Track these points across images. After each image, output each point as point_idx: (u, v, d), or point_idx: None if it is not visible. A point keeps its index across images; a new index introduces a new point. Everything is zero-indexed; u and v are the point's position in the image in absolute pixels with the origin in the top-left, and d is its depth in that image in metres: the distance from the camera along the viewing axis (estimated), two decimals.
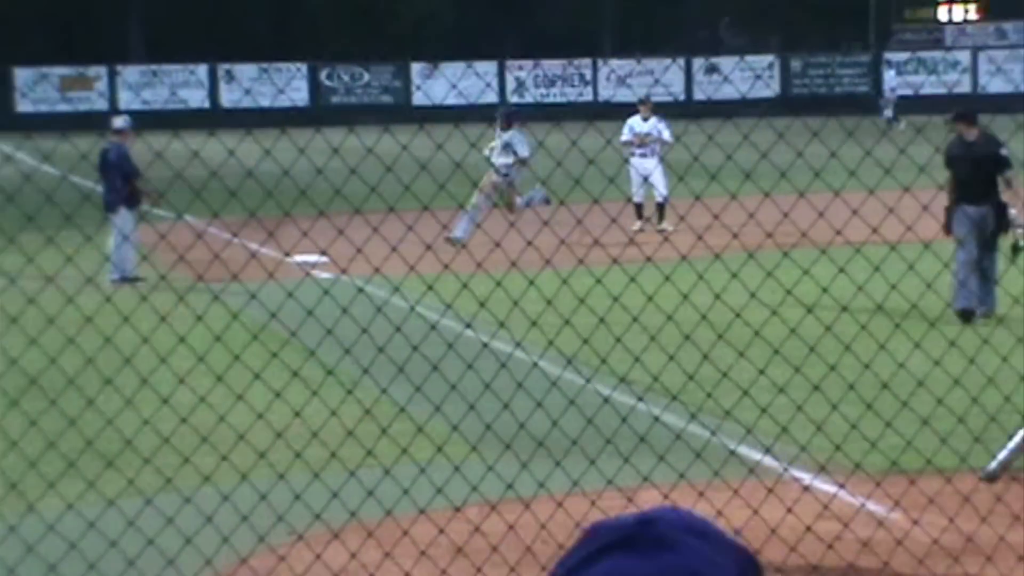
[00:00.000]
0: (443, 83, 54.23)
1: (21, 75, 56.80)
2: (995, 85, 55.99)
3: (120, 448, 10.39)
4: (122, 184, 20.88)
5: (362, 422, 10.48)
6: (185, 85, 56.95)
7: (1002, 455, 10.03)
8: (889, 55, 59.18)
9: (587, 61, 60.43)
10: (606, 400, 10.84)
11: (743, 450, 10.63)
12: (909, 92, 49.77)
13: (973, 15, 64.63)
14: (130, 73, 57.79)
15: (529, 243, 8.93)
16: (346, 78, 59.40)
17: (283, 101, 51.36)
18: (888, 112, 49.15)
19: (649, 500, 9.16)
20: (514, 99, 58.44)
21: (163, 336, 10.97)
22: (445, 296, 10.13)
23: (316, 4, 66.58)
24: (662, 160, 24.75)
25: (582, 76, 60.16)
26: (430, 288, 9.86)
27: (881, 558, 8.85)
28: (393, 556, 8.73)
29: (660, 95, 44.77)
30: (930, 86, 55.06)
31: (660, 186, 24.66)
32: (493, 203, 22.61)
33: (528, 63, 59.95)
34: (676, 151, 13.86)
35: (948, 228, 16.49)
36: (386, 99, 58.52)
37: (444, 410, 10.21)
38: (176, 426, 10.15)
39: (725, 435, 10.78)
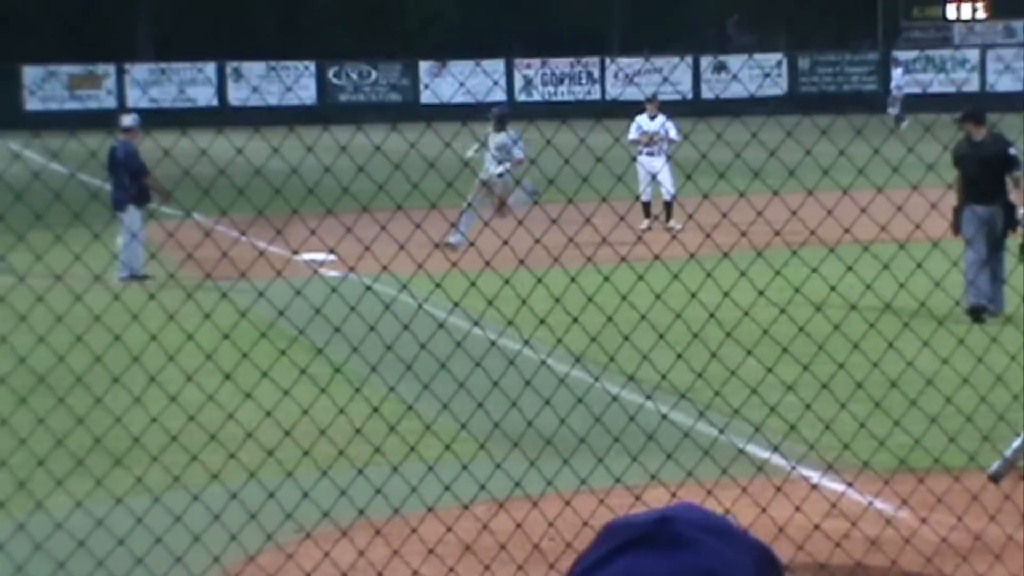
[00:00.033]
0: (451, 81, 54.23)
1: (29, 73, 56.86)
2: (1004, 83, 55.90)
3: (128, 446, 10.40)
4: (130, 182, 20.92)
5: (370, 420, 10.49)
6: (193, 83, 56.99)
7: (1006, 455, 10.02)
8: (897, 53, 59.11)
9: (595, 59, 60.40)
10: (614, 398, 10.83)
11: (751, 448, 10.63)
12: (917, 90, 49.68)
13: (981, 13, 64.55)
14: (138, 71, 57.83)
15: (537, 241, 8.93)
16: (354, 76, 59.41)
17: (291, 99, 51.35)
18: (892, 110, 49.10)
19: (657, 498, 9.16)
20: (522, 97, 58.45)
21: (171, 334, 10.98)
22: (453, 294, 10.12)
23: (324, 2, 66.61)
24: (669, 158, 24.75)
25: (590, 74, 60.13)
26: (438, 286, 9.86)
27: (889, 557, 8.84)
28: (401, 554, 8.73)
29: (668, 93, 44.75)
30: (938, 84, 55.02)
31: (667, 184, 24.64)
32: (487, 201, 22.48)
33: (536, 61, 59.94)
34: (684, 149, 13.86)
35: (956, 228, 16.47)
36: (394, 97, 58.53)
37: (452, 408, 10.21)
38: (184, 424, 10.16)
39: (733, 433, 10.78)
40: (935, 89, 51.34)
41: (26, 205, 8.88)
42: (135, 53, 61.92)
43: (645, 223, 24.08)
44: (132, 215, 20.87)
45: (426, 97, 56.29)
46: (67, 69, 57.19)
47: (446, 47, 62.30)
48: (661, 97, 26.79)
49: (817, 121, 9.60)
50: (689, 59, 60.07)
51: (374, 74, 59.56)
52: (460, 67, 56.41)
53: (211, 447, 9.91)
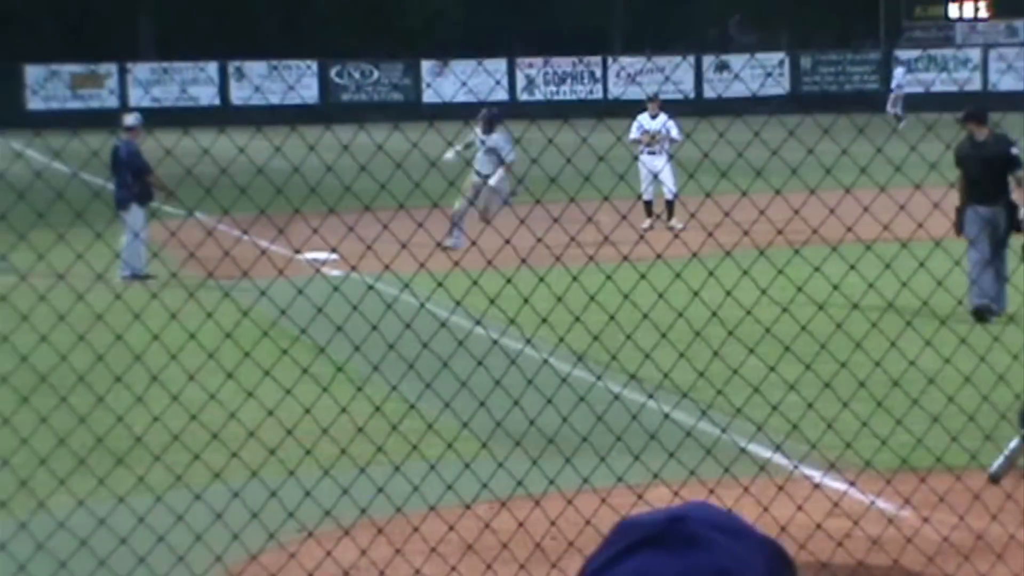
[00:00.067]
0: (453, 81, 54.23)
1: (32, 72, 56.88)
2: (1006, 83, 55.88)
3: (130, 445, 10.40)
4: (133, 181, 20.93)
5: (372, 419, 10.49)
6: (195, 82, 57.00)
7: (1004, 455, 10.02)
8: (899, 52, 59.10)
9: (597, 59, 60.40)
10: (616, 397, 10.83)
11: (753, 447, 10.62)
12: (920, 89, 49.67)
13: (983, 13, 64.51)
14: (140, 70, 57.85)
15: (539, 240, 8.93)
16: (356, 75, 59.42)
17: (293, 98, 51.38)
18: (892, 108, 49.09)
19: (659, 497, 9.16)
20: (524, 96, 58.45)
21: (173, 333, 10.97)
22: (455, 293, 10.13)
23: (326, 1, 66.61)
24: (671, 157, 24.75)
25: (592, 74, 60.13)
26: (440, 285, 9.85)
27: (891, 556, 8.84)
28: (403, 553, 8.73)
29: (670, 93, 44.76)
30: (941, 84, 55.01)
31: (669, 183, 24.64)
32: (472, 203, 22.46)
33: (538, 60, 59.94)
34: (686, 148, 13.86)
35: (959, 229, 16.46)
36: (396, 96, 58.53)
37: (454, 407, 10.21)
38: (186, 423, 10.16)
39: (735, 432, 10.77)
40: (937, 88, 51.31)
41: (28, 204, 8.89)
42: (137, 52, 61.94)
43: (647, 222, 24.07)
44: (135, 214, 20.88)
45: (428, 96, 56.31)
46: (69, 68, 57.21)
47: (448, 46, 62.31)
48: (663, 96, 26.75)
49: (819, 120, 9.59)
50: (691, 58, 60.06)
51: (376, 73, 59.56)
52: (462, 66, 56.40)
53: (213, 446, 9.91)
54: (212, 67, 57.65)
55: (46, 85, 56.64)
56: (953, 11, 64.60)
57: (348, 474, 9.63)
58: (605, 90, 59.47)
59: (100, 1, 63.99)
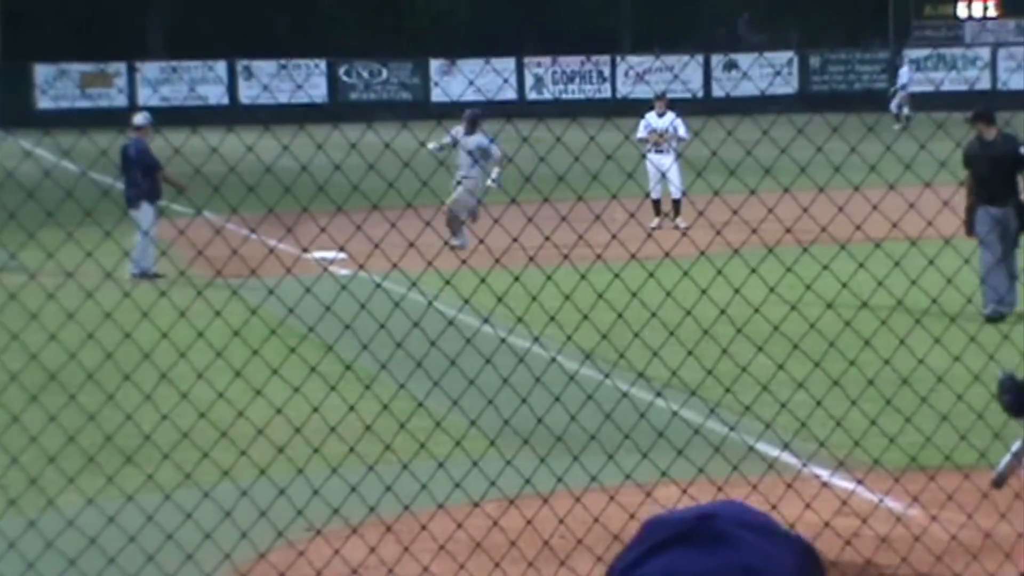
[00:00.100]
0: (461, 80, 54.22)
1: (41, 72, 56.95)
2: (1015, 81, 55.79)
3: (139, 443, 10.41)
4: (143, 179, 20.97)
5: (380, 417, 10.49)
6: (204, 81, 57.04)
7: (1005, 459, 9.99)
8: (908, 51, 59.04)
9: (605, 58, 60.36)
10: (624, 395, 10.83)
11: (761, 446, 10.62)
12: (928, 88, 49.63)
13: (993, 11, 64.42)
14: (149, 69, 57.90)
15: (547, 238, 8.93)
16: (364, 74, 59.43)
17: (301, 97, 51.40)
18: (895, 108, 49.05)
19: (668, 496, 9.16)
20: (532, 95, 58.44)
21: (182, 331, 10.99)
22: (463, 291, 10.14)
23: (335, 1, 66.63)
24: (680, 156, 24.74)
25: (600, 73, 60.10)
26: (448, 283, 9.86)
27: (899, 554, 8.83)
28: (411, 551, 8.74)
29: (679, 92, 44.72)
30: (950, 83, 54.92)
31: (675, 182, 24.64)
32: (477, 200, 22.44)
33: (546, 59, 59.93)
34: (695, 147, 13.86)
35: (970, 229, 16.45)
36: (404, 96, 58.53)
37: (462, 405, 10.21)
38: (195, 421, 10.17)
39: (744, 431, 10.77)
40: (947, 88, 51.24)
41: (37, 203, 8.90)
42: (146, 51, 62.00)
43: (655, 221, 24.07)
44: (145, 212, 20.92)
45: (436, 95, 56.29)
46: (78, 67, 57.27)
47: (457, 45, 62.30)
48: (672, 95, 26.75)
49: (828, 119, 9.59)
50: (700, 57, 60.01)
51: (385, 72, 59.57)
52: (471, 65, 56.39)
53: (222, 444, 9.92)
54: (221, 66, 57.68)
55: (55, 84, 56.71)
56: (962, 10, 64.50)
57: (356, 472, 9.63)
58: (613, 89, 59.43)
59: (109, 0, 64.07)
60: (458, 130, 23.01)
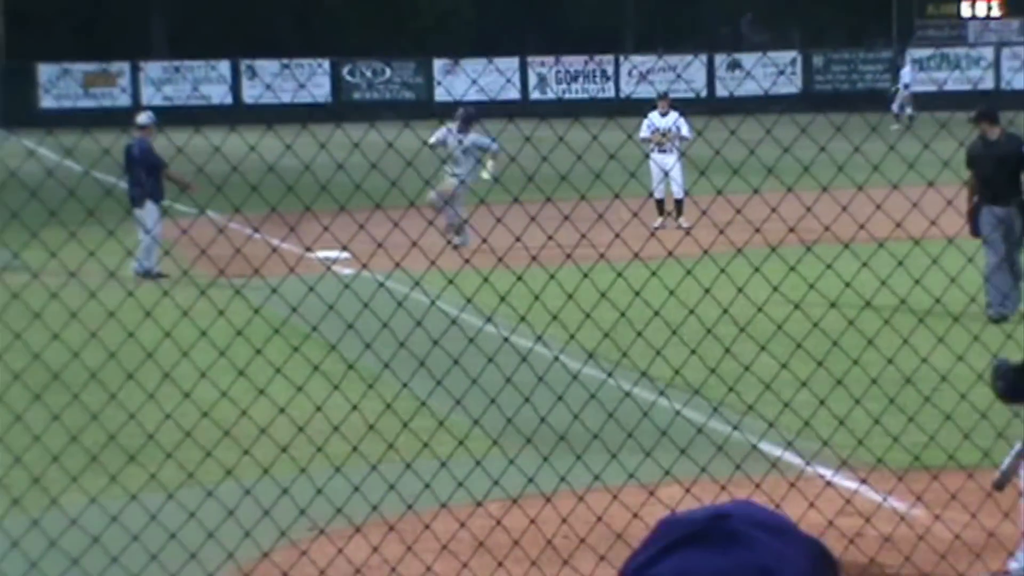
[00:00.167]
0: (464, 79, 54.23)
1: (44, 71, 56.97)
2: (1019, 81, 55.77)
3: (142, 442, 10.41)
4: (147, 178, 20.97)
5: (383, 416, 10.49)
6: (207, 81, 57.05)
7: (1005, 463, 9.97)
8: (911, 51, 59.01)
9: (609, 57, 60.35)
10: (627, 395, 10.83)
11: (765, 445, 10.61)
12: (931, 88, 49.62)
13: (996, 11, 64.38)
14: (152, 69, 57.92)
15: (550, 237, 8.93)
16: (368, 74, 59.43)
17: (304, 97, 51.40)
18: (896, 108, 49.05)
19: (671, 495, 9.16)
20: (535, 95, 58.43)
21: (185, 331, 10.99)
22: (466, 290, 10.14)
23: (338, 0, 66.64)
24: (683, 155, 24.75)
25: (604, 72, 60.09)
26: (451, 282, 9.86)
27: (903, 554, 8.83)
28: (415, 551, 8.74)
29: (682, 91, 44.72)
30: (953, 82, 54.89)
31: (678, 182, 24.65)
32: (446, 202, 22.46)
33: (550, 59, 59.91)
34: (698, 146, 13.86)
35: (975, 230, 16.44)
36: (407, 95, 58.53)
37: (465, 404, 10.21)
38: (198, 420, 10.17)
39: (747, 430, 10.77)
40: (950, 87, 51.22)
41: (40, 202, 8.90)
42: (149, 51, 62.02)
43: (659, 221, 24.07)
44: (150, 211, 20.93)
45: (440, 95, 56.29)
46: (82, 67, 57.28)
47: (460, 45, 62.30)
48: (675, 95, 26.76)
49: (831, 118, 9.58)
50: (703, 57, 60.00)
51: (388, 72, 59.57)
52: (474, 65, 56.39)
53: (225, 444, 9.92)
54: (224, 65, 57.69)
55: (58, 83, 56.73)
56: (966, 9, 64.46)
57: (359, 472, 9.63)
58: (617, 88, 59.42)
59: (112, 0, 64.09)
60: (451, 128, 23.10)
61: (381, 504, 9.16)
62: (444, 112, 24.34)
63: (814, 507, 8.90)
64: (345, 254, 13.88)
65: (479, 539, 8.87)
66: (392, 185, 8.64)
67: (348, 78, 59.17)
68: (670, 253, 9.87)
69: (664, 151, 24.93)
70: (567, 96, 58.24)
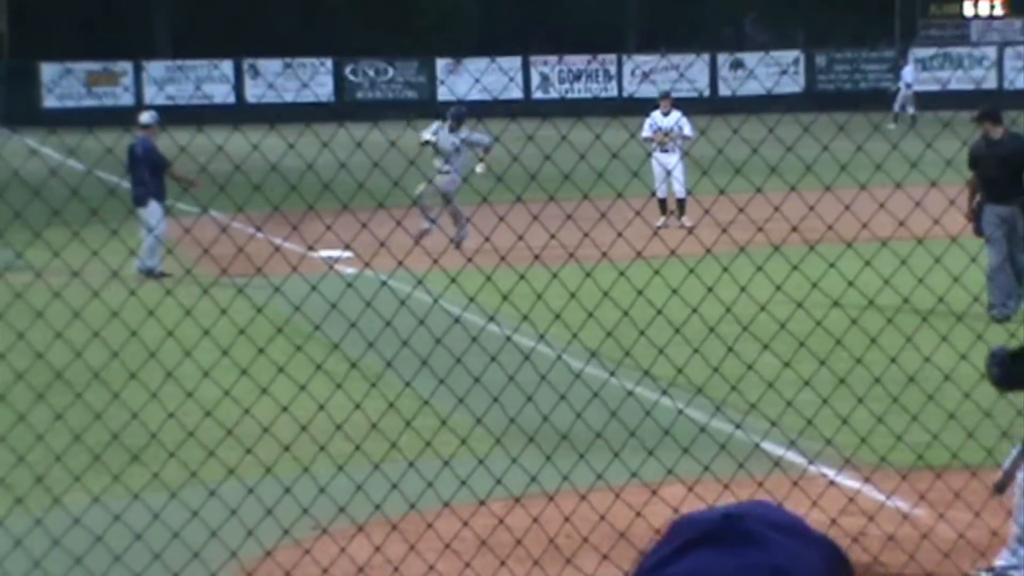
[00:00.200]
0: (467, 78, 54.22)
1: (47, 70, 56.98)
2: (1022, 80, 55.73)
3: (145, 441, 10.41)
4: (150, 177, 20.97)
5: (386, 415, 10.49)
6: (210, 80, 57.05)
7: (1005, 465, 9.96)
8: (915, 50, 58.99)
9: (612, 56, 60.33)
10: (630, 393, 10.82)
11: (768, 444, 10.61)
12: (935, 87, 49.60)
13: (999, 10, 64.35)
14: (155, 68, 57.92)
15: (552, 236, 8.93)
16: (370, 73, 59.44)
17: (307, 96, 51.39)
18: (898, 108, 49.02)
19: (673, 494, 9.15)
20: (538, 94, 58.43)
21: (188, 330, 10.99)
22: (468, 290, 10.13)
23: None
24: (686, 154, 24.74)
25: (607, 71, 60.08)
26: (453, 281, 9.85)
27: (906, 553, 8.82)
28: (417, 550, 8.74)
29: (685, 91, 44.69)
30: (956, 81, 54.86)
31: (679, 182, 24.65)
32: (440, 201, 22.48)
33: (553, 58, 59.89)
34: (701, 146, 13.86)
35: (978, 230, 16.45)
36: (410, 94, 58.53)
37: (468, 404, 10.21)
38: (201, 419, 10.17)
39: (750, 429, 10.76)
40: (953, 86, 51.19)
41: (43, 202, 8.90)
42: (153, 50, 62.03)
43: (661, 220, 24.07)
44: (153, 210, 20.93)
45: (442, 94, 56.27)
46: (84, 66, 57.29)
47: (462, 44, 62.29)
48: (678, 94, 26.76)
49: (834, 117, 9.57)
50: (706, 56, 59.99)
51: (390, 71, 59.58)
52: (476, 64, 56.39)
53: (227, 443, 9.92)
54: (227, 65, 57.70)
55: (61, 83, 56.74)
56: (968, 9, 64.42)
57: (362, 471, 9.63)
58: (620, 88, 59.40)
59: None
60: (442, 126, 23.20)
61: (384, 503, 9.16)
62: (446, 111, 24.38)
63: (817, 506, 8.90)
64: (348, 253, 13.87)
65: (482, 538, 8.87)
66: (395, 184, 8.64)
67: (351, 77, 59.17)
68: (673, 252, 9.86)
69: (666, 151, 24.95)
70: (570, 95, 58.22)
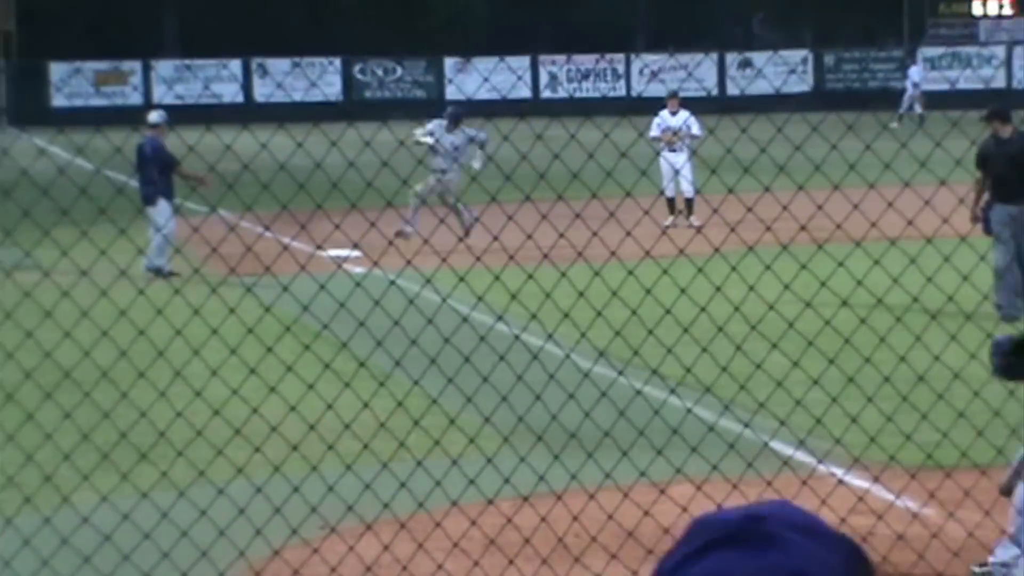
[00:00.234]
0: (476, 77, 54.22)
1: (56, 69, 57.05)
2: None
3: (153, 440, 10.42)
4: (159, 176, 20.98)
5: (394, 414, 10.49)
6: (218, 79, 57.07)
7: (1011, 467, 9.94)
8: (923, 49, 58.92)
9: (620, 56, 60.31)
10: (638, 392, 10.82)
11: (776, 443, 10.60)
12: (941, 87, 49.54)
13: (1008, 10, 64.25)
14: (164, 67, 57.98)
15: (561, 235, 8.92)
16: (379, 72, 59.45)
17: (316, 95, 51.41)
18: (904, 108, 48.96)
19: (682, 493, 9.14)
20: (547, 93, 58.42)
21: (196, 329, 10.99)
22: (477, 289, 10.13)
23: None
24: (694, 154, 24.74)
25: (615, 71, 60.05)
26: (462, 280, 9.85)
27: (916, 552, 8.81)
28: (426, 548, 8.73)
29: (693, 90, 44.65)
30: (965, 81, 54.79)
31: (687, 182, 24.65)
32: (423, 202, 22.43)
33: (561, 57, 59.87)
34: (709, 145, 13.86)
35: (987, 228, 16.42)
36: (419, 93, 58.53)
37: (476, 402, 10.20)
38: (209, 418, 10.17)
39: (758, 428, 10.75)
40: (962, 86, 51.11)
41: (52, 201, 8.91)
42: (161, 49, 62.09)
43: (669, 219, 24.06)
44: (162, 209, 20.94)
45: (451, 93, 56.27)
46: (93, 65, 57.35)
47: (471, 43, 62.30)
48: (686, 93, 26.76)
49: (843, 117, 9.56)
50: (714, 55, 59.95)
51: (399, 70, 59.59)
52: (485, 63, 56.38)
53: (236, 442, 9.92)
54: (235, 64, 57.73)
55: (70, 82, 56.80)
56: (977, 8, 64.35)
57: (370, 470, 9.63)
58: (628, 87, 59.38)
59: None
60: (439, 126, 23.22)
61: (392, 502, 9.16)
62: (444, 111, 24.42)
63: (826, 505, 8.88)
64: (356, 252, 13.88)
65: (490, 537, 8.86)
66: (403, 183, 8.64)
67: (359, 76, 59.18)
68: (681, 251, 9.86)
69: (674, 150, 24.95)
70: (578, 95, 58.21)
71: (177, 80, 57.01)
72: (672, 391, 10.83)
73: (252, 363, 10.07)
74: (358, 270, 15.40)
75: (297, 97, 49.50)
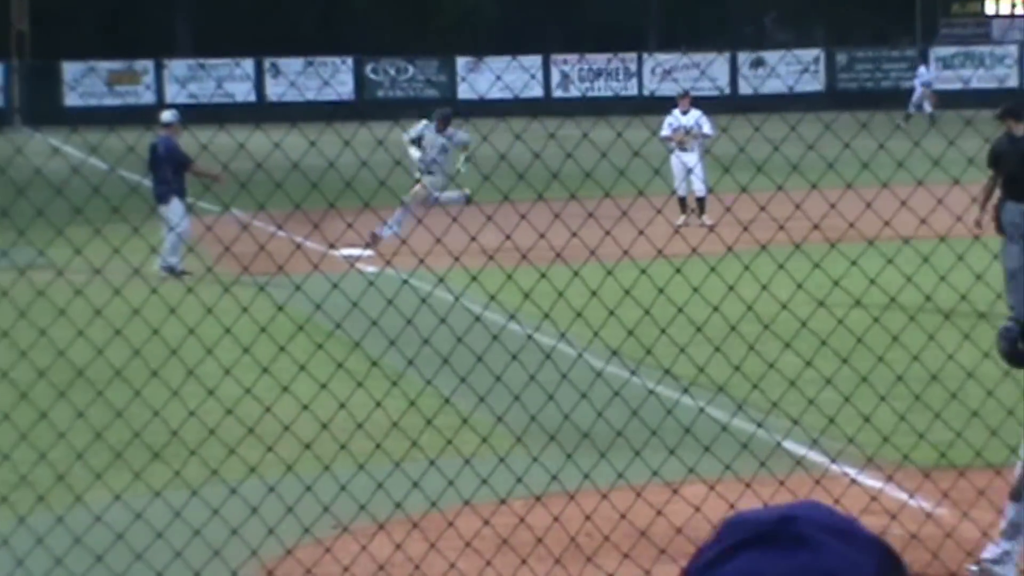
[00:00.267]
0: (488, 76, 54.22)
1: (69, 69, 57.15)
2: None
3: (166, 439, 10.43)
4: (173, 176, 21.00)
5: (407, 414, 10.49)
6: (231, 79, 57.13)
7: (1018, 471, 9.91)
8: (936, 49, 58.82)
9: (632, 55, 60.28)
10: (651, 392, 10.81)
11: (789, 443, 10.58)
12: (954, 86, 49.47)
13: (1021, 9, 64.11)
14: (177, 67, 58.05)
15: (574, 234, 8.91)
16: (391, 71, 59.48)
17: (328, 94, 51.45)
18: (914, 108, 48.87)
19: (695, 493, 9.13)
20: (559, 93, 58.40)
21: (209, 328, 11.00)
22: (490, 288, 10.13)
23: None
24: (707, 152, 24.73)
25: (627, 70, 60.02)
26: (474, 279, 9.85)
27: (930, 552, 8.79)
28: (438, 548, 8.73)
29: (706, 89, 44.64)
30: (978, 80, 54.70)
31: (699, 180, 24.64)
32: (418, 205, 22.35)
33: (573, 57, 59.86)
34: (722, 144, 13.85)
35: (1000, 227, 16.38)
36: (431, 93, 58.54)
37: (489, 402, 10.20)
38: (222, 418, 10.18)
39: (771, 428, 10.73)
40: (975, 85, 51.02)
41: (65, 200, 8.92)
42: (174, 49, 62.17)
43: (681, 219, 24.05)
44: (175, 208, 20.96)
45: (463, 92, 56.29)
46: (106, 65, 57.44)
47: (483, 43, 62.30)
48: (698, 92, 26.76)
49: (856, 116, 9.54)
50: (727, 54, 59.90)
51: (411, 69, 59.61)
52: (497, 63, 56.38)
53: (249, 441, 9.92)
54: (248, 63, 57.78)
55: (83, 81, 56.88)
56: (990, 7, 64.23)
57: (383, 469, 9.63)
58: (640, 86, 59.35)
59: None
60: (428, 126, 23.21)
61: (405, 501, 9.16)
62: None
63: (839, 505, 8.87)
64: (369, 251, 13.89)
65: (503, 537, 8.86)
66: (415, 182, 8.63)
67: (371, 76, 59.21)
68: (694, 250, 9.84)
69: (686, 149, 24.95)
70: (590, 94, 58.18)
71: (190, 79, 57.07)
72: (685, 391, 10.82)
73: (265, 362, 10.07)
74: (371, 269, 15.41)
75: (310, 96, 49.57)
